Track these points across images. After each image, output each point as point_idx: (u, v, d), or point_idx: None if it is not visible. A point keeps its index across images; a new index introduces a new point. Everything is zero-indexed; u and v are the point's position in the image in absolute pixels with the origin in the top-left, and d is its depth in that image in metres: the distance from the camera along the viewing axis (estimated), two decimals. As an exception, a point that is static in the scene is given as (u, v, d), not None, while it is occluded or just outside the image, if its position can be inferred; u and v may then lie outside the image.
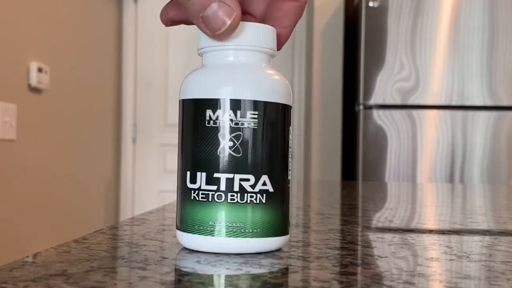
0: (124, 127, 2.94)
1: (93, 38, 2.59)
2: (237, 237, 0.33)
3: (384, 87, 2.06)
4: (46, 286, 0.26)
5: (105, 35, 2.76)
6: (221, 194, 0.34)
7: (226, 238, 0.33)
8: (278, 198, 0.35)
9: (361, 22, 2.09)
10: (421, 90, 2.05)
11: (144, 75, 2.95)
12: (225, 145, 0.34)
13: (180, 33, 2.77)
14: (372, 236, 0.45)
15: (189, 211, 0.35)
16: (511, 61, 2.04)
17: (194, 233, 0.34)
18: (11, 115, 1.89)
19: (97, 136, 2.65)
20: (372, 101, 2.07)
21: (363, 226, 0.51)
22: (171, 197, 2.65)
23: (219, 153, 0.34)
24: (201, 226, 0.34)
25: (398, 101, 2.06)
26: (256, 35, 0.35)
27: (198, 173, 0.34)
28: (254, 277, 0.29)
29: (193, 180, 0.35)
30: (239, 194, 0.34)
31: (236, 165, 0.34)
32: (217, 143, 0.34)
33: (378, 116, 2.07)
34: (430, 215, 0.64)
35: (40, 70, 2.04)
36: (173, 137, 2.85)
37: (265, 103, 0.34)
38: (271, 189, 0.34)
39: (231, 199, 0.34)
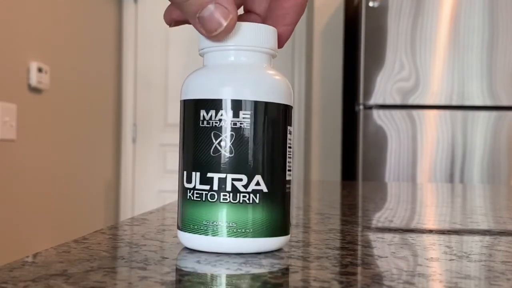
0: (124, 127, 2.94)
1: (93, 38, 2.59)
2: (230, 236, 0.33)
3: (384, 87, 2.06)
4: (46, 286, 0.26)
5: (105, 35, 2.76)
6: (214, 194, 0.34)
7: (219, 238, 0.33)
8: (274, 199, 0.34)
9: (361, 22, 2.09)
10: (421, 90, 2.05)
11: (144, 75, 2.95)
12: (218, 144, 0.34)
13: (180, 33, 2.77)
14: (372, 236, 0.45)
15: (185, 210, 0.35)
16: (511, 61, 2.04)
17: (190, 232, 0.35)
18: (11, 115, 1.89)
19: (97, 136, 2.65)
20: (372, 101, 2.07)
21: (363, 226, 0.51)
22: (171, 197, 2.65)
23: (212, 153, 0.34)
24: (195, 225, 0.34)
25: (398, 101, 2.06)
26: (257, 36, 0.35)
27: (193, 173, 0.35)
28: (254, 277, 0.29)
29: (189, 180, 0.35)
30: (231, 194, 0.33)
31: (228, 165, 0.34)
32: (210, 143, 0.34)
33: (378, 116, 2.07)
34: (430, 215, 0.64)
35: (40, 70, 2.04)
36: (173, 137, 2.85)
37: (261, 103, 0.34)
38: (265, 189, 0.34)
39: (223, 199, 0.34)
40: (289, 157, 0.36)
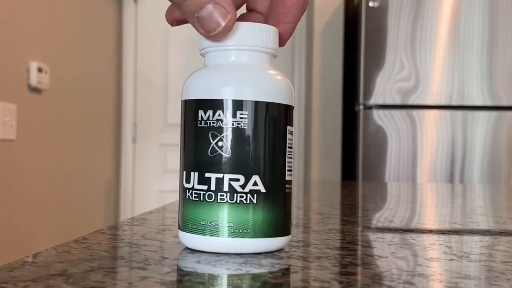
0: (124, 127, 2.94)
1: (93, 38, 2.59)
2: (228, 236, 0.33)
3: (384, 87, 2.06)
4: (46, 286, 0.26)
5: (105, 35, 2.76)
6: (211, 194, 0.34)
7: (217, 238, 0.33)
8: (272, 199, 0.34)
9: (361, 22, 2.09)
10: (421, 90, 2.05)
11: (144, 75, 2.95)
12: (215, 145, 0.34)
13: (180, 33, 2.77)
14: (372, 236, 0.45)
15: (185, 210, 0.35)
16: (511, 61, 2.04)
17: (189, 232, 0.35)
18: (11, 115, 1.89)
19: (97, 136, 2.65)
20: (372, 101, 2.07)
21: (363, 226, 0.51)
22: (171, 197, 2.65)
23: (210, 153, 0.34)
24: (194, 225, 0.34)
25: (398, 101, 2.06)
26: (258, 35, 0.35)
27: (192, 173, 0.35)
28: (254, 277, 0.29)
29: (188, 180, 0.35)
30: (228, 194, 0.33)
31: (225, 165, 0.34)
32: (208, 143, 0.34)
33: (378, 116, 2.07)
34: (430, 215, 0.64)
35: (40, 70, 2.04)
36: (173, 137, 2.85)
37: (260, 103, 0.34)
38: (263, 190, 0.34)
39: (220, 199, 0.34)
40: (290, 157, 0.36)
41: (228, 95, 0.34)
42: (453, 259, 0.34)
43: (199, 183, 0.34)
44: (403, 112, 2.06)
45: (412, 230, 0.49)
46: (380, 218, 0.59)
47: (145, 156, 2.95)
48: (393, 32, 2.06)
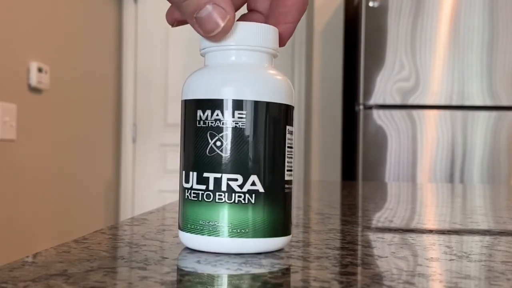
0: (124, 127, 2.94)
1: (93, 38, 2.59)
2: (226, 236, 0.33)
3: (384, 87, 2.06)
4: (46, 286, 0.26)
5: (105, 35, 2.76)
6: (209, 194, 0.34)
7: (215, 238, 0.33)
8: (271, 199, 0.34)
9: (361, 22, 2.09)
10: (421, 90, 2.05)
11: (144, 75, 2.95)
12: (213, 144, 0.34)
13: (180, 33, 2.77)
14: (372, 236, 0.45)
15: (184, 210, 0.35)
16: (511, 61, 2.04)
17: (188, 232, 0.35)
18: (11, 115, 1.89)
19: (97, 136, 2.65)
20: (372, 101, 2.07)
21: (363, 226, 0.51)
22: (171, 197, 2.65)
23: (208, 153, 0.34)
24: (192, 225, 0.34)
25: (398, 101, 2.06)
26: (258, 35, 0.35)
27: (191, 173, 0.35)
28: (254, 277, 0.29)
29: (187, 180, 0.35)
30: (226, 194, 0.33)
31: (223, 165, 0.34)
32: (206, 143, 0.34)
33: (378, 116, 2.07)
34: (430, 215, 0.64)
35: (40, 70, 2.04)
36: (173, 137, 2.85)
37: (260, 103, 0.34)
38: (261, 190, 0.34)
39: (219, 199, 0.34)
40: (289, 157, 0.36)
41: (227, 95, 0.34)
42: (453, 259, 0.34)
43: (197, 183, 0.34)
44: (403, 112, 2.06)
45: (412, 230, 0.49)
46: (380, 218, 0.59)
47: (145, 156, 2.95)
48: (393, 32, 2.06)
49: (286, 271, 0.31)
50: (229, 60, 0.35)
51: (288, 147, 0.35)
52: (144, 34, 2.94)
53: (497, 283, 0.28)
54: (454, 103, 2.05)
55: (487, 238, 0.45)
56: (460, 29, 2.05)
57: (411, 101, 2.05)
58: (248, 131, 0.34)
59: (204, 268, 0.31)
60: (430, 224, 0.54)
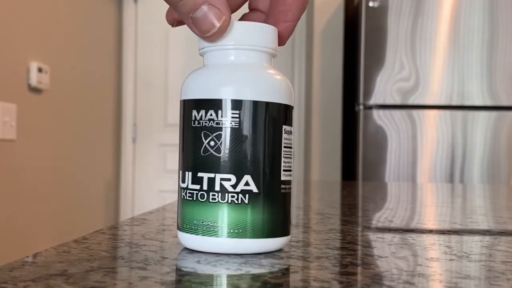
0: (124, 127, 2.94)
1: (93, 38, 2.59)
2: (219, 236, 0.33)
3: (384, 87, 2.06)
4: (46, 286, 0.26)
5: (105, 35, 2.76)
6: (203, 194, 0.34)
7: (209, 237, 0.33)
8: (266, 199, 0.34)
9: (361, 22, 2.09)
10: (421, 90, 2.05)
11: (144, 75, 2.95)
12: (207, 144, 0.34)
13: (180, 33, 2.77)
14: (372, 236, 0.45)
15: (180, 210, 0.35)
16: (511, 61, 2.04)
17: (183, 231, 0.35)
18: (11, 115, 1.89)
19: (97, 136, 2.65)
20: (372, 101, 2.07)
21: (363, 226, 0.51)
22: (171, 197, 2.65)
23: (202, 153, 0.34)
24: (187, 224, 0.34)
25: (398, 101, 2.06)
26: (257, 35, 0.35)
27: (187, 173, 0.35)
28: (254, 277, 0.29)
29: (183, 180, 0.35)
30: (220, 194, 0.33)
31: (217, 165, 0.33)
32: (201, 143, 0.34)
33: (378, 116, 2.07)
34: (430, 215, 0.64)
35: (40, 70, 2.04)
36: (173, 137, 2.85)
37: (249, 102, 0.34)
38: (255, 190, 0.34)
39: (212, 199, 0.34)
40: (286, 157, 0.35)
41: (223, 95, 0.34)
42: (453, 259, 0.34)
43: (192, 183, 0.34)
44: (403, 112, 2.06)
45: (412, 230, 0.49)
46: (380, 218, 0.59)
47: (145, 156, 2.95)
48: (393, 32, 2.06)
49: (286, 271, 0.31)
50: (227, 60, 0.35)
51: (285, 147, 0.35)
52: (144, 34, 2.94)
53: (497, 283, 0.28)
54: (454, 103, 2.05)
55: (487, 238, 0.45)
56: (460, 29, 2.05)
57: (411, 101, 2.05)
58: (242, 131, 0.33)
59: (204, 268, 0.31)
60: (430, 224, 0.54)
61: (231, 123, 0.33)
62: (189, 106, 0.35)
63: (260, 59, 0.35)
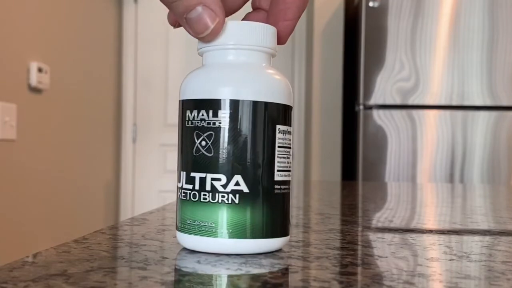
0: (124, 127, 2.94)
1: (93, 38, 2.59)
2: (212, 236, 0.33)
3: (384, 87, 2.06)
4: (46, 286, 0.26)
5: (105, 35, 2.76)
6: (195, 193, 0.34)
7: (203, 237, 0.34)
8: (257, 200, 0.34)
9: (361, 22, 2.09)
10: (421, 90, 2.05)
11: (144, 75, 2.95)
12: (199, 144, 0.34)
13: (180, 33, 2.76)
14: (372, 236, 0.45)
15: (177, 209, 0.36)
16: (511, 61, 2.04)
17: (179, 231, 0.35)
18: (11, 115, 1.89)
19: (97, 136, 2.65)
20: (372, 101, 2.07)
21: (363, 226, 0.51)
22: (171, 197, 2.65)
23: (195, 153, 0.34)
24: (182, 224, 0.35)
25: (398, 101, 2.06)
26: (256, 34, 0.35)
27: (182, 173, 0.35)
28: (254, 277, 0.29)
29: (179, 179, 0.35)
30: (210, 194, 0.33)
31: (208, 165, 0.34)
32: (193, 143, 0.34)
33: (378, 116, 2.07)
34: (430, 215, 0.64)
35: (40, 70, 2.04)
36: (173, 137, 2.85)
37: (243, 102, 0.34)
38: (245, 190, 0.33)
39: (203, 198, 0.34)
40: (281, 157, 0.35)
41: (225, 95, 0.34)
42: (453, 259, 0.34)
43: (186, 183, 0.35)
44: (403, 112, 2.06)
45: (412, 230, 0.49)
46: (380, 218, 0.59)
47: (145, 156, 2.95)
48: (393, 32, 2.06)
49: (286, 271, 0.31)
50: (226, 60, 0.35)
51: (279, 146, 0.35)
52: (144, 34, 2.94)
53: (497, 283, 0.28)
54: (454, 103, 2.05)
55: (487, 238, 0.45)
56: (460, 29, 2.05)
57: (411, 101, 2.05)
58: (233, 131, 0.33)
59: (204, 268, 0.31)
60: (430, 224, 0.54)
61: (221, 123, 0.33)
62: (186, 106, 0.35)
63: (259, 58, 0.35)
